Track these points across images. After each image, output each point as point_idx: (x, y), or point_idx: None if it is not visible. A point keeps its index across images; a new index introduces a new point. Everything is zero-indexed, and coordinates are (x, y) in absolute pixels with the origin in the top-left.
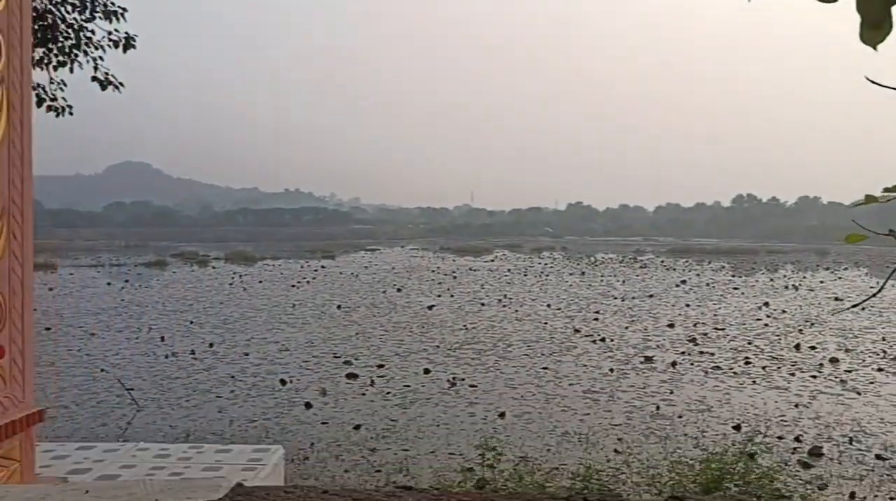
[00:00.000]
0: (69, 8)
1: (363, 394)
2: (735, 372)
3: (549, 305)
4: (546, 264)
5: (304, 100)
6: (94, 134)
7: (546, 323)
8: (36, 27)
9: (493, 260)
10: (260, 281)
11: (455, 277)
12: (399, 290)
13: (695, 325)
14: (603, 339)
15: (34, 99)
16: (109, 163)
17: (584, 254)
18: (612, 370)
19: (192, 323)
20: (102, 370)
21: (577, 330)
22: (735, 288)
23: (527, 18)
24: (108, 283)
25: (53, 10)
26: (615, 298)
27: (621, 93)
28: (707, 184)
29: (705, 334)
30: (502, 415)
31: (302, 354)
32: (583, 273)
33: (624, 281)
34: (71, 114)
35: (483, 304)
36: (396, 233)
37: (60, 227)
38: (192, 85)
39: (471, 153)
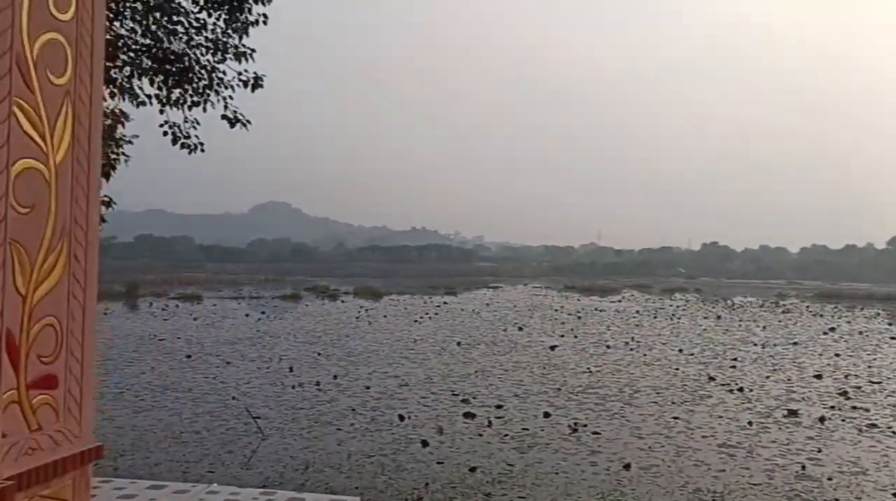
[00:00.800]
0: (203, 50)
1: (480, 435)
2: (894, 432)
3: (681, 350)
4: (678, 306)
5: (430, 142)
6: (241, 176)
7: (677, 369)
8: (174, 69)
9: (620, 301)
10: (384, 316)
11: (579, 317)
12: (520, 329)
13: (846, 377)
14: (741, 389)
15: (169, 137)
16: (255, 202)
17: (721, 297)
18: (750, 423)
19: (319, 354)
20: (233, 398)
21: (711, 378)
22: (893, 338)
23: (654, 54)
24: (247, 315)
25: (189, 52)
26: (755, 345)
27: (759, 129)
28: (857, 225)
29: (858, 387)
30: (627, 467)
31: (420, 390)
32: (719, 317)
33: (765, 327)
34: (202, 151)
35: (609, 346)
36: (519, 271)
37: (210, 262)
38: (323, 125)
39: (598, 190)
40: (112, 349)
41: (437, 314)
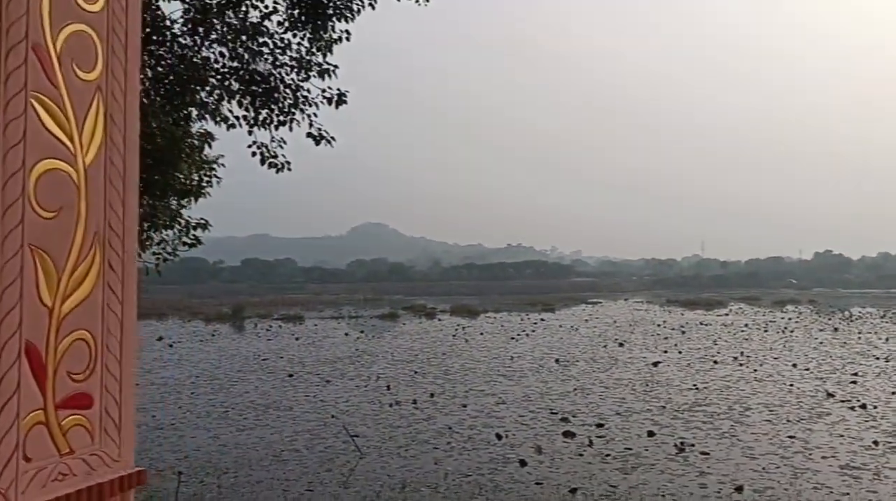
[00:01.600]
0: (287, 69)
1: (580, 455)
2: None
3: (795, 365)
4: (790, 319)
5: (523, 159)
6: (340, 199)
7: (792, 386)
8: (260, 90)
9: (727, 314)
10: (481, 334)
11: (683, 332)
12: (621, 345)
13: None
14: (863, 406)
15: (257, 157)
16: (353, 224)
17: (837, 308)
18: (876, 442)
19: (416, 372)
20: (332, 416)
21: (830, 395)
22: None
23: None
24: (346, 334)
25: (275, 72)
26: (877, 358)
27: (877, 135)
28: None
29: None
30: (739, 489)
31: (518, 408)
32: (836, 329)
33: (888, 339)
34: (289, 169)
35: (716, 362)
36: (619, 285)
37: (312, 283)
38: (418, 146)
39: (701, 200)
40: (219, 368)
41: (534, 331)
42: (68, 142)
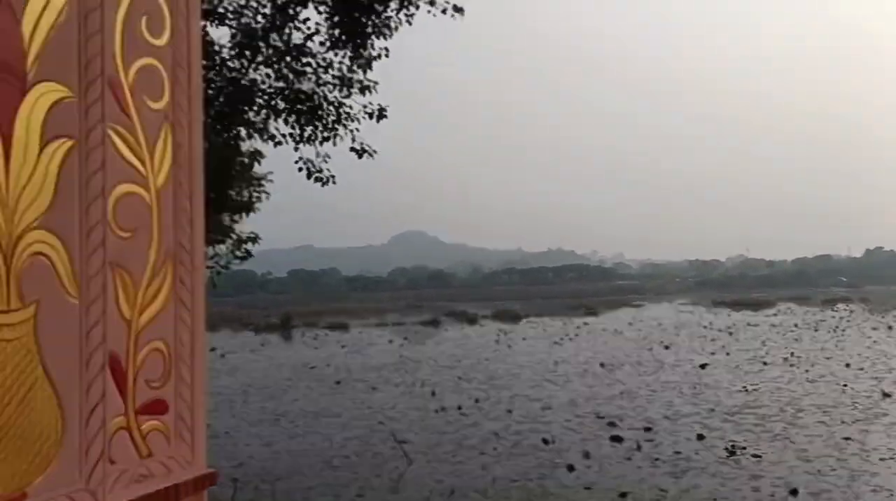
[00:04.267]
0: (330, 87)
1: (629, 459)
2: None
3: (848, 365)
4: (842, 317)
5: (560, 162)
6: (380, 209)
7: (846, 386)
8: (305, 107)
9: (775, 315)
10: (524, 338)
11: (731, 333)
12: (667, 347)
13: None
14: None
15: (304, 171)
16: (393, 233)
17: (891, 306)
18: None
19: (460, 378)
20: (380, 423)
21: (886, 395)
22: None
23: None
24: (390, 341)
25: (318, 90)
26: None
27: None
28: None
29: None
30: (794, 492)
31: (564, 413)
32: (890, 327)
33: None
34: (334, 183)
35: (765, 363)
36: (663, 287)
37: (355, 292)
38: (453, 153)
39: (746, 199)
40: (269, 377)
41: (577, 335)
42: (141, 168)
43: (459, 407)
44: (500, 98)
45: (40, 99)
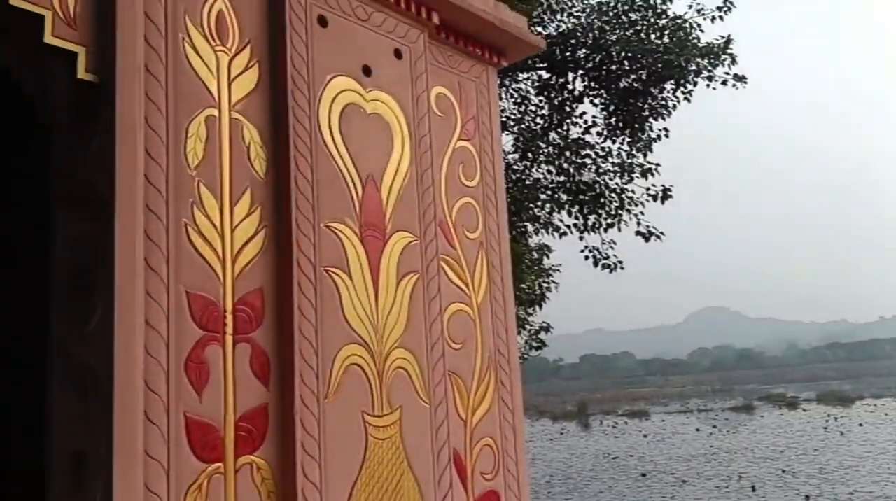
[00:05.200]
0: (611, 174)
1: None
2: None
3: None
4: None
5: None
6: (670, 288)
7: None
8: (587, 197)
9: None
10: (860, 424)
11: None
12: None
13: None
14: None
15: (590, 260)
16: (689, 311)
17: None
18: None
19: (783, 471)
20: None
21: None
22: None
23: None
24: (697, 429)
25: (599, 179)
26: None
27: None
28: None
29: None
30: None
31: None
32: None
33: None
34: (622, 268)
35: None
36: None
37: (651, 375)
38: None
39: None
40: (571, 467)
41: None
42: (466, 289)
43: None
44: (794, 155)
45: (395, 245)
